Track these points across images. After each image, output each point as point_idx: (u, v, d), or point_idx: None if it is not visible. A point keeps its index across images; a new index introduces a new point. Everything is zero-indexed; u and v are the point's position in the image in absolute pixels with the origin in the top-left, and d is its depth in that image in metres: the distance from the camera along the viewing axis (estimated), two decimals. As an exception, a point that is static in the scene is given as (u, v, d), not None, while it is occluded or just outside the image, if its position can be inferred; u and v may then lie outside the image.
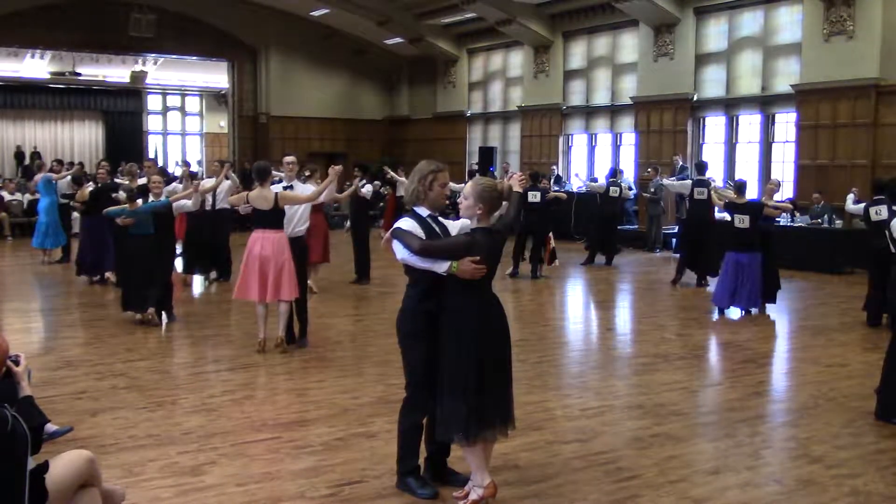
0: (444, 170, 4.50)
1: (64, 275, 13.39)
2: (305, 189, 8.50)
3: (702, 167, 13.33)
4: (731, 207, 10.41)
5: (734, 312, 10.36)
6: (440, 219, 4.53)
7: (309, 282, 12.08)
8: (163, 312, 9.31)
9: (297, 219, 8.19)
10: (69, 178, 13.96)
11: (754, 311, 10.30)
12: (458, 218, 4.70)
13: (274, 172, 8.70)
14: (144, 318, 9.19)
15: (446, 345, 4.34)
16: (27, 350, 7.60)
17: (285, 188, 8.16)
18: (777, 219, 11.33)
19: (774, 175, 16.40)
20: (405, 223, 4.38)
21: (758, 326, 9.73)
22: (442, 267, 4.27)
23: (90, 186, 12.67)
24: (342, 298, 11.44)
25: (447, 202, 4.73)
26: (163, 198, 9.46)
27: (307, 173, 10.95)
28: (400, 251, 4.33)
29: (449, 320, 4.34)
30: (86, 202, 12.42)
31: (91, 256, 12.22)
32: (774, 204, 10.55)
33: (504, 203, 4.53)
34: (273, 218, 7.74)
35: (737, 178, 11.94)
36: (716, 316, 10.29)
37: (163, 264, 9.32)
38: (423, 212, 4.46)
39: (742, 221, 10.13)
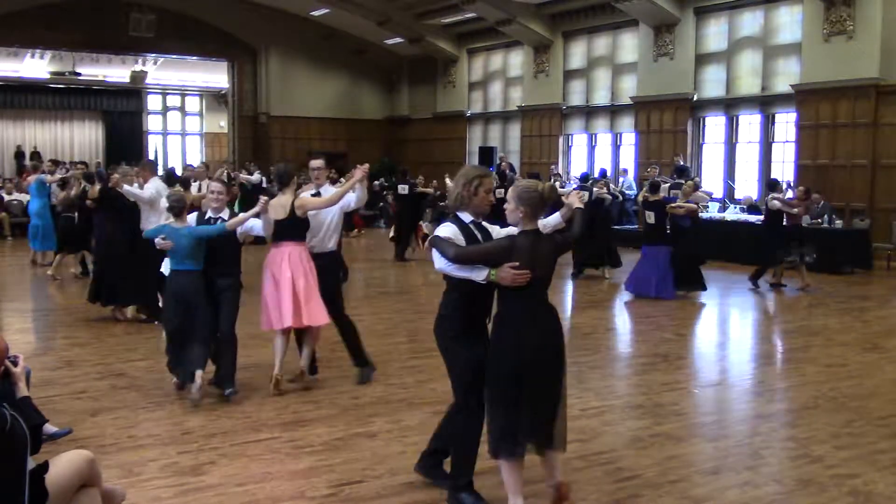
0: (489, 175, 4.39)
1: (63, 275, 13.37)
2: (328, 192, 6.86)
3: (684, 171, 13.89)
4: (644, 204, 11.73)
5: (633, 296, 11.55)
6: (484, 224, 4.38)
7: None
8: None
9: (325, 230, 6.71)
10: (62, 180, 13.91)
11: (665, 296, 11.28)
12: (504, 225, 4.47)
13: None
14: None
15: (490, 354, 4.15)
16: (27, 350, 7.63)
17: (313, 195, 6.77)
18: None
19: (774, 174, 16.29)
20: (445, 230, 4.21)
21: (757, 326, 9.73)
22: (481, 275, 4.05)
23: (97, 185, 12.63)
24: (342, 298, 11.42)
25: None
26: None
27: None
28: (438, 261, 4.15)
29: (493, 329, 4.18)
30: (96, 199, 12.38)
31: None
32: (679, 205, 11.55)
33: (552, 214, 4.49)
34: (291, 229, 6.41)
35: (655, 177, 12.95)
36: (627, 298, 11.51)
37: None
38: (466, 217, 4.29)
39: (650, 217, 11.53)
